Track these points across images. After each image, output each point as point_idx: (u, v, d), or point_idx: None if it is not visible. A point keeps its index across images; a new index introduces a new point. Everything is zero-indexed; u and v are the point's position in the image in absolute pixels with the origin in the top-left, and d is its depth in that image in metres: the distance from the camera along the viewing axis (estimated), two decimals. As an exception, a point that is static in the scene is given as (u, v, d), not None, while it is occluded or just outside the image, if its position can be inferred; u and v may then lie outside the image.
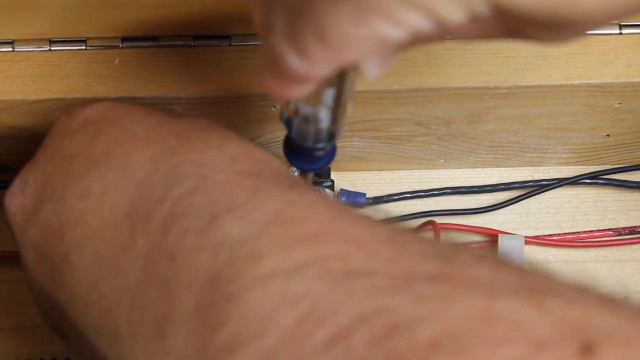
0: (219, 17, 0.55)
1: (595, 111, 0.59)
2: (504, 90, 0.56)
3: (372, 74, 0.38)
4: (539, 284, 0.32)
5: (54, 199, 0.43)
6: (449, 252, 0.34)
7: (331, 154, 0.48)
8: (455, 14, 0.34)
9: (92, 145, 0.44)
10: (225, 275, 0.34)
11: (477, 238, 0.67)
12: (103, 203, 0.41)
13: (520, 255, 0.65)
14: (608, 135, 0.63)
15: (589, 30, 0.36)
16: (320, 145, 0.45)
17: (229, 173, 0.39)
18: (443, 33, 0.35)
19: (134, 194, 0.40)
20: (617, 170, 0.68)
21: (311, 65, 0.37)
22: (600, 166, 0.68)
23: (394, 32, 0.34)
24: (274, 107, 0.56)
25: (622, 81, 0.56)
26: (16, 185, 0.47)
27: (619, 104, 0.58)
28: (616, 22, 0.56)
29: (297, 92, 0.39)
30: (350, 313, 0.31)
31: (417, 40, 0.36)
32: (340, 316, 0.31)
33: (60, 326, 0.45)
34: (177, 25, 0.55)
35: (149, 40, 0.55)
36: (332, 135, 0.45)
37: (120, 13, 0.56)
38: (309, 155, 0.47)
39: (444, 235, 0.63)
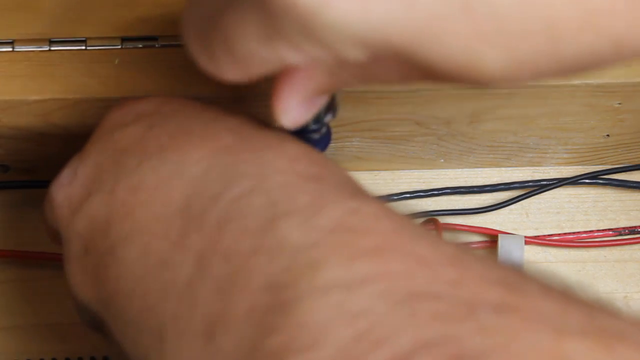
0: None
1: (595, 111, 0.59)
2: (504, 90, 0.56)
3: (289, 117, 0.38)
4: (608, 325, 0.31)
5: (103, 191, 0.42)
6: (515, 279, 0.33)
7: (327, 137, 0.47)
8: (352, 53, 0.34)
9: (146, 138, 0.43)
10: (282, 281, 0.33)
11: (477, 238, 0.67)
12: (155, 197, 0.40)
13: (520, 255, 0.65)
14: (608, 135, 0.63)
15: (515, 86, 0.36)
16: (315, 126, 0.45)
17: (288, 174, 0.38)
18: (358, 73, 0.36)
19: (188, 190, 0.39)
20: (617, 170, 0.68)
21: (220, 72, 0.37)
22: (600, 166, 0.68)
23: (294, 58, 0.34)
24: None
25: (622, 81, 0.56)
26: (64, 177, 0.46)
27: (619, 104, 0.58)
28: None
29: (226, 82, 0.38)
30: (412, 337, 0.30)
31: (336, 84, 0.36)
32: (402, 339, 0.30)
33: (99, 322, 0.45)
34: (177, 25, 0.55)
35: (149, 40, 0.55)
36: (328, 111, 0.44)
37: (120, 13, 0.56)
38: (305, 140, 0.46)
39: (444, 235, 0.63)
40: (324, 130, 0.46)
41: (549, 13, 0.32)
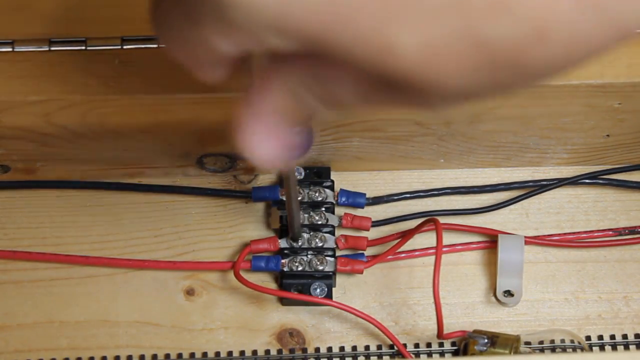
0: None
1: (595, 111, 0.59)
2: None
3: (259, 151, 0.36)
4: None
5: None
6: None
7: (308, 141, 0.47)
8: (272, 40, 0.32)
9: None
10: None
11: (477, 238, 0.67)
12: None
13: (520, 255, 0.65)
14: (608, 135, 0.63)
15: (447, 98, 0.34)
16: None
17: None
18: (317, 93, 0.35)
19: None
20: (617, 170, 0.68)
21: (172, 49, 0.36)
22: (600, 166, 0.68)
23: (225, 47, 0.34)
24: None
25: (622, 81, 0.56)
26: None
27: (619, 104, 0.58)
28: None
29: (209, 77, 0.38)
30: None
31: (300, 109, 0.35)
32: None
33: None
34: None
35: (148, 40, 0.55)
36: None
37: (120, 13, 0.56)
38: None
39: (444, 235, 0.63)
40: (304, 133, 0.46)
41: None
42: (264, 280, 0.66)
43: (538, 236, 0.67)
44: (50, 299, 0.65)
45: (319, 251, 0.64)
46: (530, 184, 0.68)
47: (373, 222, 0.66)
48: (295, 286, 0.64)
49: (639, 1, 0.31)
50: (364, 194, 0.66)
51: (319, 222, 0.64)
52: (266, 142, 0.37)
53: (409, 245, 0.65)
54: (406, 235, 0.65)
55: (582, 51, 0.32)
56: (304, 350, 0.65)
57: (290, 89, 0.35)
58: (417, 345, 0.65)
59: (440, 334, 0.63)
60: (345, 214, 0.65)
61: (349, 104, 0.35)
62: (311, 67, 0.34)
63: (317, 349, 0.65)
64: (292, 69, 0.35)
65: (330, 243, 0.64)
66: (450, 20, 0.31)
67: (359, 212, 0.66)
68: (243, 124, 0.37)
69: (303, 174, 0.65)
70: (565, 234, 0.67)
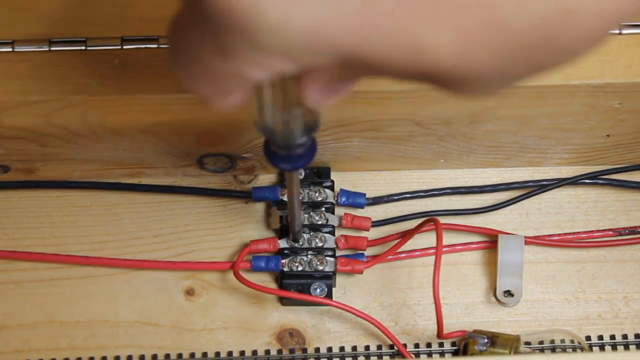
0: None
1: (595, 111, 0.59)
2: (504, 90, 0.56)
3: (313, 99, 0.37)
4: None
5: None
6: None
7: (312, 149, 0.47)
8: (307, 58, 0.33)
9: None
10: None
11: (477, 238, 0.67)
12: None
13: (520, 255, 0.65)
14: (608, 135, 0.63)
15: (480, 86, 0.34)
16: (301, 140, 0.45)
17: None
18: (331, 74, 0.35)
19: None
20: (617, 170, 0.68)
21: (198, 89, 0.36)
22: (600, 166, 0.68)
23: (256, 72, 0.34)
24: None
25: (622, 81, 0.56)
26: None
27: (619, 104, 0.58)
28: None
29: (226, 105, 0.38)
30: None
31: (346, 78, 0.36)
32: None
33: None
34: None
35: (148, 40, 0.55)
36: (311, 128, 0.44)
37: (120, 13, 0.56)
38: (292, 155, 0.47)
39: (444, 235, 0.63)
40: (308, 144, 0.46)
41: None
42: (264, 280, 0.66)
43: (538, 236, 0.67)
44: (50, 299, 0.65)
45: (319, 251, 0.64)
46: (530, 184, 0.68)
47: (373, 222, 0.66)
48: (295, 286, 0.64)
49: None
50: (364, 194, 0.66)
51: (319, 222, 0.64)
52: (319, 96, 0.37)
53: (409, 245, 0.65)
54: (406, 235, 0.65)
55: (611, 20, 0.32)
56: (304, 350, 0.65)
57: (327, 78, 0.36)
58: (417, 345, 0.65)
59: (440, 334, 0.63)
60: (345, 214, 0.65)
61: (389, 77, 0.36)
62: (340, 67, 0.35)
63: (317, 349, 0.65)
64: (323, 71, 0.35)
65: (330, 243, 0.64)
66: (478, 13, 0.31)
67: (359, 212, 0.66)
68: (303, 80, 0.37)
69: (303, 174, 0.65)
70: (565, 234, 0.67)
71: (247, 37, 0.32)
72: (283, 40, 0.32)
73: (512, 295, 0.65)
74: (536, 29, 0.32)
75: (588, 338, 0.65)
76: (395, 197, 0.67)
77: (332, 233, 0.65)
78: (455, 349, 0.65)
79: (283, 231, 0.65)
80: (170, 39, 0.37)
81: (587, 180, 0.68)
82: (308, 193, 0.65)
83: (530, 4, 0.31)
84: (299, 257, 0.64)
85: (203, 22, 0.33)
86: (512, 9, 0.31)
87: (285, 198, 0.64)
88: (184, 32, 0.35)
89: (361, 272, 0.65)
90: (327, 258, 0.64)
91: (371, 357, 0.65)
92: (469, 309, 0.66)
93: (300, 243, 0.64)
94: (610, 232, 0.67)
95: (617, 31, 0.56)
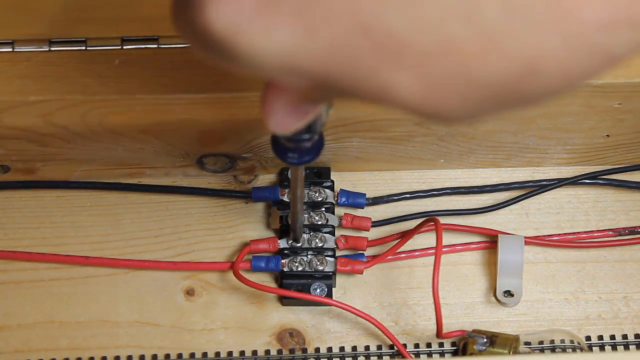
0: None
1: (595, 111, 0.59)
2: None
3: (275, 122, 0.38)
4: None
5: None
6: None
7: (319, 143, 0.47)
8: (282, 78, 0.34)
9: None
10: None
11: (477, 238, 0.67)
12: None
13: (520, 255, 0.65)
14: (608, 135, 0.63)
15: (465, 120, 0.35)
16: (307, 135, 0.45)
17: None
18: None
19: None
20: (617, 170, 0.68)
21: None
22: (600, 166, 0.68)
23: (240, 71, 0.35)
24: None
25: (622, 81, 0.56)
26: None
27: (619, 104, 0.58)
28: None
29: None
30: None
31: (316, 96, 0.37)
32: None
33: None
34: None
35: (149, 40, 0.55)
36: (317, 125, 0.44)
37: (120, 13, 0.56)
38: (298, 149, 0.47)
39: (444, 235, 0.63)
40: (315, 138, 0.47)
41: (446, 34, 0.31)
42: (264, 280, 0.66)
43: (538, 236, 0.67)
44: (50, 299, 0.65)
45: (319, 251, 0.64)
46: (530, 184, 0.68)
47: (373, 222, 0.66)
48: (295, 286, 0.64)
49: (625, 32, 0.31)
50: (364, 194, 0.66)
51: (319, 222, 0.64)
52: (281, 116, 0.38)
53: (409, 245, 0.65)
54: (406, 235, 0.65)
55: (576, 78, 0.33)
56: (304, 350, 0.65)
57: (300, 92, 0.37)
58: (417, 345, 0.65)
59: (439, 334, 0.63)
60: (345, 214, 0.65)
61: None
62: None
63: (317, 349, 0.65)
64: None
65: (330, 243, 0.64)
66: (443, 63, 0.32)
67: (359, 212, 0.66)
68: (264, 100, 0.38)
69: (303, 173, 0.65)
70: (565, 234, 0.67)
71: (226, 55, 0.33)
72: (258, 62, 0.33)
73: (512, 295, 0.65)
74: (501, 83, 0.32)
75: (588, 338, 0.65)
76: (395, 197, 0.67)
77: (332, 233, 0.65)
78: (455, 349, 0.65)
79: (283, 231, 0.65)
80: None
81: (587, 180, 0.68)
82: (308, 193, 0.65)
83: (495, 61, 0.31)
84: (299, 257, 0.64)
85: (188, 30, 0.35)
86: (479, 63, 0.32)
87: (285, 198, 0.64)
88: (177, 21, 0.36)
89: (361, 272, 0.65)
90: (327, 258, 0.64)
91: (371, 357, 0.65)
92: (469, 309, 0.66)
93: (300, 243, 0.64)
94: (610, 232, 0.67)
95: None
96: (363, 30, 0.32)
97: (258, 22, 0.32)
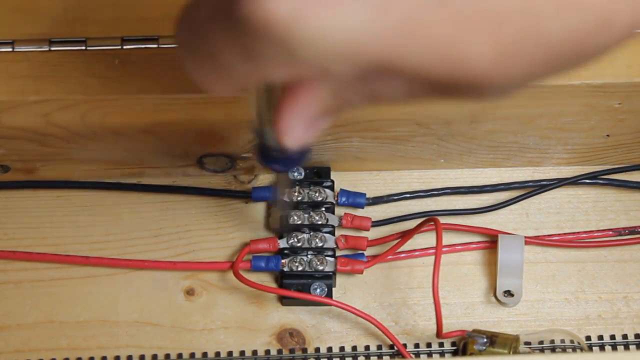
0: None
1: (595, 111, 0.59)
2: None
3: (291, 138, 0.37)
4: None
5: None
6: None
7: (307, 152, 0.47)
8: (337, 67, 0.33)
9: None
10: None
11: (477, 238, 0.67)
12: None
13: (520, 255, 0.65)
14: (608, 135, 0.63)
15: (505, 92, 0.35)
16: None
17: None
18: (362, 91, 0.35)
19: None
20: (617, 170, 0.68)
21: (207, 84, 0.37)
22: (600, 166, 0.68)
23: (278, 75, 0.34)
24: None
25: (622, 81, 0.56)
26: None
27: (619, 104, 0.58)
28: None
29: (214, 94, 0.38)
30: None
31: (341, 105, 0.36)
32: None
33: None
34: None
35: (148, 40, 0.55)
36: None
37: (120, 13, 0.56)
38: (285, 157, 0.46)
39: (444, 235, 0.63)
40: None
41: None
42: (264, 280, 0.66)
43: (538, 236, 0.67)
44: (50, 299, 0.65)
45: (319, 251, 0.64)
46: (530, 184, 0.68)
47: (373, 222, 0.66)
48: (296, 286, 0.64)
49: None
50: (364, 194, 0.66)
51: (319, 222, 0.64)
52: (298, 131, 0.37)
53: (409, 245, 0.65)
54: (406, 235, 0.65)
55: (636, 28, 0.33)
56: (304, 350, 0.65)
57: (333, 90, 0.36)
58: (417, 345, 0.65)
59: (439, 333, 0.63)
60: (345, 214, 0.65)
61: (392, 100, 0.36)
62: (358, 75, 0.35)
63: (317, 349, 0.65)
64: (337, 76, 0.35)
65: (330, 243, 0.64)
66: (518, 22, 0.32)
67: (359, 212, 0.66)
68: (283, 115, 0.37)
69: (303, 174, 0.65)
70: (565, 234, 0.67)
71: (281, 46, 0.32)
72: (320, 50, 0.32)
73: (512, 295, 0.65)
74: (573, 38, 0.32)
75: (588, 338, 0.65)
76: (395, 197, 0.67)
77: (332, 233, 0.65)
78: (455, 349, 0.65)
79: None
80: (182, 27, 0.37)
81: (587, 180, 0.68)
82: (308, 193, 0.65)
83: (570, 14, 0.32)
84: (299, 257, 0.64)
85: (230, 25, 0.33)
86: (554, 20, 0.32)
87: (285, 198, 0.64)
88: (201, 26, 0.35)
89: (361, 272, 0.65)
90: (327, 258, 0.64)
91: (371, 357, 0.65)
92: (469, 309, 0.66)
93: (300, 243, 0.64)
94: (610, 232, 0.67)
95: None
96: (440, 0, 0.31)
97: (324, 6, 0.31)
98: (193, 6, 0.36)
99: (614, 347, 0.65)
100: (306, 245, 0.64)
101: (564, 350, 0.64)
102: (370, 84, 0.35)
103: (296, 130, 0.37)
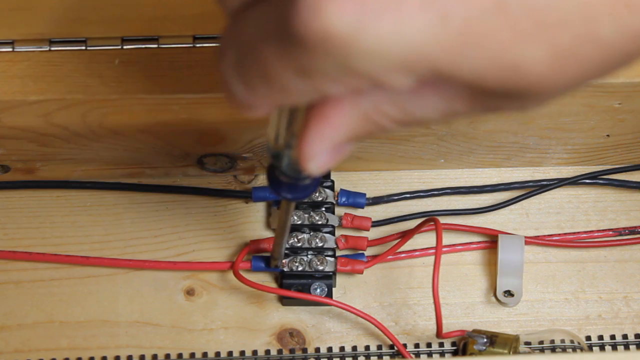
0: (219, 17, 0.55)
1: (595, 111, 0.59)
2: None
3: (316, 164, 0.36)
4: None
5: None
6: None
7: (317, 180, 0.46)
8: (395, 78, 0.33)
9: None
10: None
11: (477, 238, 0.67)
12: None
13: (520, 255, 0.65)
14: (608, 135, 0.63)
15: (551, 98, 0.35)
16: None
17: None
18: (400, 112, 0.35)
19: None
20: (617, 170, 0.68)
21: (256, 104, 0.36)
22: (600, 166, 0.68)
23: (334, 90, 0.34)
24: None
25: (622, 81, 0.56)
26: None
27: (619, 104, 0.58)
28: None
29: (252, 115, 0.37)
30: None
31: (371, 129, 0.35)
32: None
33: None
34: (177, 25, 0.55)
35: (149, 40, 0.55)
36: None
37: (120, 13, 0.56)
38: (296, 185, 0.44)
39: (444, 235, 0.63)
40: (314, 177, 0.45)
41: None
42: (264, 280, 0.66)
43: (538, 236, 0.67)
44: (50, 299, 0.65)
45: (319, 251, 0.64)
46: (530, 184, 0.68)
47: (373, 222, 0.66)
48: (296, 286, 0.64)
49: None
50: (364, 194, 0.66)
51: (319, 222, 0.64)
52: (323, 155, 0.37)
53: (409, 245, 0.65)
54: (406, 235, 0.65)
55: None
56: (304, 350, 0.65)
57: (364, 113, 0.35)
58: (417, 345, 0.65)
59: (439, 333, 0.63)
60: (345, 214, 0.65)
61: (427, 121, 0.36)
62: (390, 92, 0.34)
63: (317, 349, 0.65)
64: (369, 95, 0.35)
65: (331, 243, 0.64)
66: (575, 27, 0.32)
67: (359, 212, 0.66)
68: (308, 137, 0.36)
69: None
70: (565, 234, 0.67)
71: (340, 59, 0.32)
72: (379, 60, 0.32)
73: (512, 295, 0.65)
74: (626, 39, 0.33)
75: (588, 338, 0.65)
76: (395, 197, 0.67)
77: (332, 233, 0.65)
78: (455, 349, 0.65)
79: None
80: (229, 48, 0.36)
81: (587, 180, 0.68)
82: (308, 193, 0.65)
83: (626, 18, 0.32)
84: (299, 257, 0.64)
85: (284, 43, 0.33)
86: (608, 21, 0.32)
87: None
88: (251, 45, 0.34)
89: (361, 272, 0.65)
90: (327, 258, 0.64)
91: (371, 357, 0.65)
92: (469, 309, 0.66)
93: (300, 243, 0.64)
94: (610, 232, 0.67)
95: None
96: (499, 7, 0.31)
97: (384, 15, 0.31)
98: (239, 25, 0.35)
99: (614, 347, 0.65)
100: (306, 245, 0.64)
101: (564, 350, 0.64)
102: (399, 103, 0.35)
103: (321, 155, 0.36)
